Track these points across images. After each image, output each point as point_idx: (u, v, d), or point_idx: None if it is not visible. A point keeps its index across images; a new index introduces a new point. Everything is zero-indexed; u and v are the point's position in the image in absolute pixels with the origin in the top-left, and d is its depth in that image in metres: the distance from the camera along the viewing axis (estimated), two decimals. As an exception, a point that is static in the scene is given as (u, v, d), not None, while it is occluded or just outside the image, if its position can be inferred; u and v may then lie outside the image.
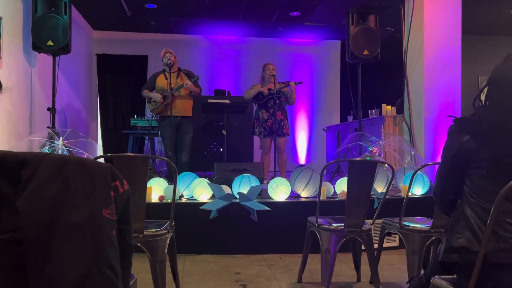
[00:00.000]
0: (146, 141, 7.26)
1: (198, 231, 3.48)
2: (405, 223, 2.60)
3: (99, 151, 5.23)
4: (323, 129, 8.07)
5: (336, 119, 8.75)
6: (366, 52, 5.29)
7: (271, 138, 5.35)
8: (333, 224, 2.53)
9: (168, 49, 5.21)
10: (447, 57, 4.85)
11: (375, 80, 6.83)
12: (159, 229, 2.25)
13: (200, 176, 6.12)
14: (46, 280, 0.89)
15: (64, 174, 0.96)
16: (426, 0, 4.91)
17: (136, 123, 6.59)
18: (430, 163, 3.31)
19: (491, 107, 1.41)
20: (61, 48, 4.92)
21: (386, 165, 4.39)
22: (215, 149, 6.51)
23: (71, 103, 6.93)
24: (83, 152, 4.45)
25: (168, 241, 2.29)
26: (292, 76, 8.78)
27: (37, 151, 4.59)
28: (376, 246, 2.79)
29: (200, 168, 6.35)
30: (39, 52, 5.01)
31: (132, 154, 2.17)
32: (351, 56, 5.35)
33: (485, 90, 1.48)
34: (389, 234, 2.73)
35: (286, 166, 5.54)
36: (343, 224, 2.49)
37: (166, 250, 2.28)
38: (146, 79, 8.34)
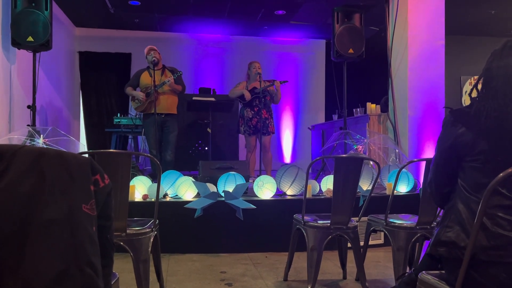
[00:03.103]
0: (129, 140, 7.16)
1: (183, 230, 3.43)
2: (390, 220, 2.60)
3: (82, 149, 5.12)
4: (308, 128, 8.08)
5: (321, 118, 8.77)
6: (351, 50, 5.30)
7: (256, 137, 5.32)
8: (319, 222, 2.51)
9: (152, 46, 5.15)
10: (431, 56, 4.89)
11: (360, 79, 6.88)
12: (142, 228, 2.19)
13: (185, 175, 6.08)
14: (20, 279, 0.84)
15: (40, 168, 0.92)
16: (410, -1, 4.93)
17: (119, 122, 6.48)
18: (415, 159, 3.33)
19: (490, 100, 1.38)
20: (42, 45, 4.80)
21: (371, 162, 4.40)
22: (200, 148, 6.45)
23: (52, 102, 6.79)
24: (63, 150, 4.35)
25: (151, 240, 2.24)
26: (278, 75, 8.78)
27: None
28: (362, 243, 2.79)
29: (185, 167, 6.28)
30: (18, 48, 4.88)
31: (114, 150, 2.11)
32: (336, 55, 5.36)
33: (481, 80, 1.46)
34: (375, 231, 2.72)
35: (272, 165, 5.52)
36: (329, 222, 2.47)
37: (149, 249, 2.23)
38: (130, 77, 8.25)
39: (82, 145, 5.03)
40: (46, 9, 4.81)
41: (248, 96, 5.21)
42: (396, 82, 5.12)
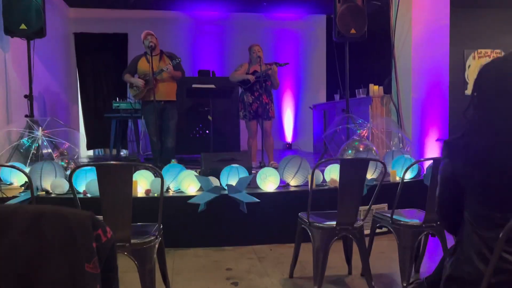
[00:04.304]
0: (129, 123, 7.09)
1: (187, 224, 3.42)
2: (396, 217, 2.58)
3: (82, 139, 5.07)
4: (310, 107, 7.99)
5: (322, 96, 8.65)
6: (353, 31, 5.16)
7: (257, 121, 5.25)
8: (324, 223, 2.49)
9: (149, 31, 5.00)
10: (435, 37, 4.76)
11: (361, 57, 6.71)
12: (146, 237, 2.17)
13: (185, 159, 6.05)
14: None
15: (40, 229, 0.87)
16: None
17: (118, 106, 6.41)
18: (421, 159, 3.28)
19: (479, 128, 1.33)
20: (36, 32, 4.68)
21: (374, 148, 4.36)
22: (200, 131, 6.39)
23: (50, 87, 6.68)
24: (64, 142, 4.31)
25: (156, 247, 2.23)
26: (278, 52, 8.61)
27: (16, 142, 4.43)
28: (368, 232, 2.77)
29: (186, 151, 6.24)
30: (12, 37, 4.76)
31: (115, 162, 2.06)
32: (337, 35, 5.23)
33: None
34: (381, 227, 2.70)
35: (273, 149, 5.47)
36: (334, 222, 2.45)
37: (154, 256, 2.21)
38: (127, 58, 8.10)
39: (82, 135, 4.96)
40: (38, -5, 4.66)
41: (252, 78, 5.10)
42: (399, 64, 5.01)
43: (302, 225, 2.61)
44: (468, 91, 8.13)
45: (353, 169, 2.36)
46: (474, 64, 8.57)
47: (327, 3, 7.73)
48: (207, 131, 6.26)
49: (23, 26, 4.59)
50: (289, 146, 8.68)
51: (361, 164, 2.38)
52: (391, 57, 5.13)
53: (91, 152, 7.92)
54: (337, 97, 6.86)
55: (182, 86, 5.18)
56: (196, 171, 4.93)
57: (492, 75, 1.36)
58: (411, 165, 2.60)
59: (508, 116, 1.28)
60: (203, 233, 3.44)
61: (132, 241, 2.09)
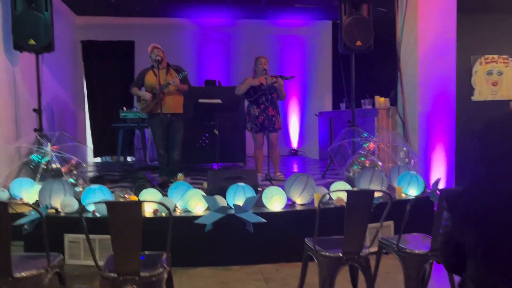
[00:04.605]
0: (136, 131, 7.15)
1: (194, 243, 3.46)
2: (402, 245, 2.60)
3: (89, 153, 5.13)
4: (315, 115, 8.00)
5: (328, 103, 8.65)
6: (359, 43, 5.18)
7: (263, 134, 5.28)
8: (331, 251, 2.51)
9: (156, 44, 5.04)
10: (442, 51, 4.76)
11: (367, 67, 6.71)
12: (155, 268, 2.21)
13: (192, 169, 6.09)
14: None
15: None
16: (420, -10, 4.77)
17: (125, 116, 6.47)
18: (435, 189, 3.26)
19: (481, 186, 1.30)
20: (44, 47, 4.74)
21: (380, 163, 4.38)
22: (207, 141, 6.42)
23: (58, 96, 6.74)
24: (72, 158, 4.36)
25: (166, 277, 2.26)
26: (283, 59, 8.64)
27: (25, 157, 4.49)
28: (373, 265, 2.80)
29: (192, 160, 6.29)
30: (21, 51, 4.82)
31: (124, 201, 2.09)
32: (343, 47, 5.24)
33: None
34: (386, 253, 2.73)
35: (279, 161, 5.51)
36: (341, 251, 2.47)
37: (164, 286, 2.25)
38: (134, 65, 8.17)
39: (90, 149, 5.01)
40: (47, 10, 4.72)
41: (256, 82, 5.13)
42: (405, 77, 5.02)
43: (309, 252, 2.64)
44: (475, 97, 8.13)
45: (359, 200, 2.39)
46: (481, 70, 8.55)
47: (332, 9, 7.73)
48: (215, 135, 6.30)
49: (32, 42, 4.65)
50: (294, 152, 8.70)
51: (367, 196, 2.40)
52: (396, 69, 5.13)
53: (98, 159, 7.99)
54: (342, 106, 6.88)
55: (189, 99, 5.22)
56: (203, 184, 4.99)
57: (502, 132, 1.32)
58: (418, 196, 2.60)
59: None
60: (210, 253, 3.48)
61: (141, 273, 2.13)
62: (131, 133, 7.06)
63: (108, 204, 2.00)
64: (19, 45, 4.66)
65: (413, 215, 3.07)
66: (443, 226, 1.44)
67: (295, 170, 6.54)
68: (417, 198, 2.59)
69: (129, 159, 7.49)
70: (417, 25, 4.75)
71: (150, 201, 2.12)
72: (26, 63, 5.14)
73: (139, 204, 2.04)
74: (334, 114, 7.18)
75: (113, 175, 5.97)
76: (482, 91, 8.41)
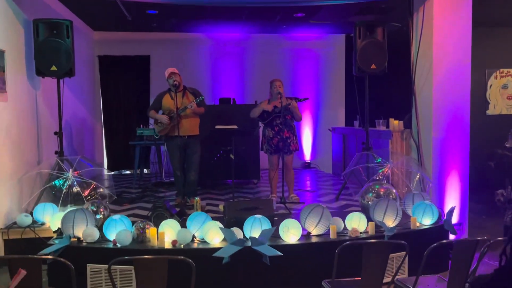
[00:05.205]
0: (152, 149, 7.29)
1: (211, 274, 3.54)
2: (418, 290, 2.65)
3: (105, 173, 5.27)
4: (329, 130, 8.05)
5: (341, 116, 8.69)
6: (373, 66, 5.22)
7: (278, 155, 5.36)
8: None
9: (173, 69, 5.14)
10: (457, 77, 4.77)
11: (381, 85, 6.74)
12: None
13: (207, 185, 6.20)
14: None
15: None
16: (436, 15, 4.78)
17: (142, 133, 6.59)
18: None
19: (507, 276, 1.34)
20: (65, 73, 4.87)
21: (394, 191, 4.41)
22: (222, 158, 6.51)
23: (76, 112, 6.90)
24: (93, 182, 4.48)
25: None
26: (297, 72, 8.70)
27: (46, 181, 4.62)
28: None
29: (208, 176, 6.40)
30: (43, 77, 4.96)
31: (150, 257, 2.18)
32: (358, 71, 5.29)
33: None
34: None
35: (294, 182, 5.58)
36: (357, 296, 2.54)
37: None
38: (149, 79, 8.31)
39: (107, 173, 5.16)
40: (68, 37, 4.85)
41: (268, 108, 5.22)
42: (420, 101, 5.04)
43: (325, 295, 2.71)
44: (490, 111, 8.10)
45: (375, 252, 2.45)
46: (495, 84, 8.51)
47: (346, 24, 7.76)
48: (229, 158, 6.42)
49: (53, 68, 4.79)
50: (307, 165, 8.76)
51: (383, 247, 2.46)
52: (411, 93, 5.15)
53: (114, 172, 8.15)
54: (356, 123, 6.91)
55: (205, 127, 5.36)
56: (218, 206, 5.09)
57: None
58: (431, 247, 2.64)
59: None
60: (226, 284, 3.56)
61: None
62: (147, 151, 7.21)
63: (136, 260, 2.10)
64: (41, 71, 4.80)
65: (426, 244, 3.12)
66: None
67: (308, 187, 6.60)
68: (433, 247, 2.62)
69: (145, 170, 7.64)
70: (432, 51, 4.77)
71: (173, 257, 2.20)
72: (47, 84, 5.29)
73: (164, 262, 2.13)
74: (348, 131, 7.22)
75: (130, 193, 6.10)
76: (497, 105, 8.38)
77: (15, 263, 2.07)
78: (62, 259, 2.14)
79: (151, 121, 6.95)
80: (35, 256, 2.16)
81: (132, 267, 3.26)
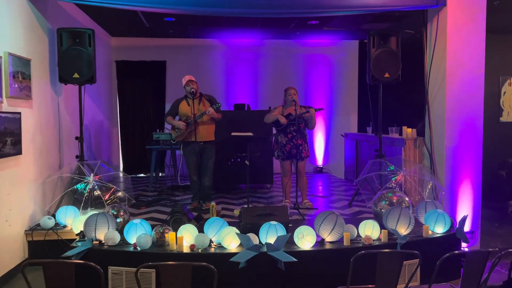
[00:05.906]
0: (168, 152, 7.45)
1: (227, 279, 3.65)
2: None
3: (121, 175, 5.44)
4: (341, 135, 8.12)
5: (354, 121, 8.77)
6: (387, 75, 5.30)
7: (290, 161, 5.46)
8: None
9: (191, 77, 5.28)
10: (471, 86, 4.83)
11: (394, 92, 6.81)
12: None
13: (221, 189, 6.33)
14: None
15: None
16: (449, 25, 4.84)
17: (158, 137, 6.75)
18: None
19: None
20: (87, 80, 5.03)
21: (407, 199, 4.48)
22: (235, 163, 6.63)
23: (95, 116, 7.08)
24: (111, 186, 4.64)
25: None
26: (310, 77, 8.79)
27: (67, 185, 4.79)
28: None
29: (222, 180, 6.51)
30: (65, 84, 5.13)
31: (173, 263, 2.30)
32: (372, 79, 5.36)
33: None
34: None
35: (307, 188, 5.67)
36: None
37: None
38: (165, 84, 8.47)
39: (125, 176, 5.32)
40: (90, 45, 5.01)
41: (284, 121, 5.31)
42: (433, 109, 5.10)
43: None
44: (503, 118, 8.11)
45: (388, 262, 2.54)
46: (509, 91, 8.50)
47: (360, 31, 7.84)
48: (243, 163, 6.54)
49: (76, 75, 4.95)
50: (319, 170, 8.84)
51: (396, 257, 2.55)
52: (425, 101, 5.22)
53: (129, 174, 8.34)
54: (369, 130, 6.98)
55: (219, 131, 5.49)
56: (233, 211, 5.21)
57: None
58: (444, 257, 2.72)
59: None
60: None
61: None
62: (163, 154, 7.37)
63: (159, 266, 2.21)
64: (64, 78, 4.96)
65: (439, 252, 3.19)
66: None
67: (321, 193, 6.68)
68: (445, 258, 2.69)
69: (160, 173, 7.81)
70: (446, 61, 4.83)
71: (197, 264, 2.31)
72: (68, 90, 5.47)
73: (188, 267, 2.24)
74: (361, 137, 7.29)
75: (146, 196, 6.25)
76: (511, 112, 8.37)
77: (49, 266, 2.20)
78: (92, 263, 2.26)
79: (167, 126, 7.10)
80: (68, 261, 2.29)
81: (153, 270, 3.43)
